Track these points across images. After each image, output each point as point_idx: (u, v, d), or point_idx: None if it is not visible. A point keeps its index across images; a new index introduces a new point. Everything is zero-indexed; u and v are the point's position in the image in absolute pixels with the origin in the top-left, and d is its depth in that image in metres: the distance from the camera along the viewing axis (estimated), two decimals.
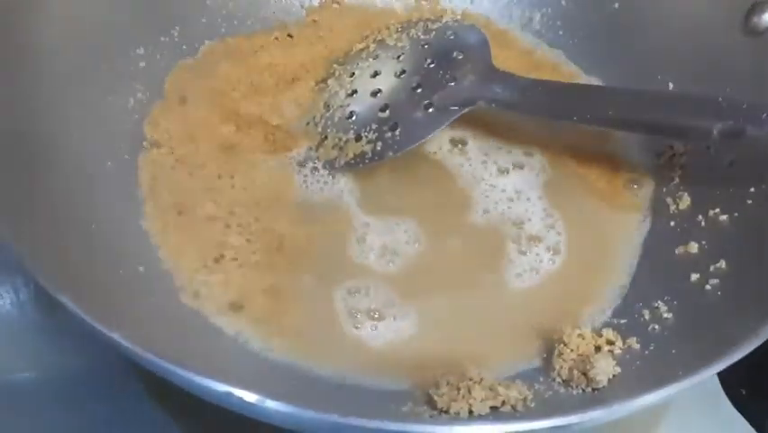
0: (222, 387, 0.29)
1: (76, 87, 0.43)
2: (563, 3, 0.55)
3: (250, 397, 0.29)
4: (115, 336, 0.30)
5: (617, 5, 0.53)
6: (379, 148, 0.47)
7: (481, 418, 0.34)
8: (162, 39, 0.50)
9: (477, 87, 0.48)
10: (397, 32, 0.53)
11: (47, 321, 0.45)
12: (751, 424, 0.44)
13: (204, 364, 0.30)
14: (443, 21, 0.53)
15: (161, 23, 0.50)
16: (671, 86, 0.49)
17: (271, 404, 0.29)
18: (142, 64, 0.48)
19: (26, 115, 0.40)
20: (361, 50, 0.52)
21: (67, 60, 0.43)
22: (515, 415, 0.35)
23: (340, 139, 0.48)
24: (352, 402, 0.38)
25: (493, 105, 0.47)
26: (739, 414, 0.44)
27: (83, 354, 0.43)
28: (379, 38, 0.53)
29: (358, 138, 0.47)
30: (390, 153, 0.46)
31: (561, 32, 0.55)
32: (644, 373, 0.37)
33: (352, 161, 0.47)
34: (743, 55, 0.46)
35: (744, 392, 0.44)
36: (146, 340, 0.30)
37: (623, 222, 0.47)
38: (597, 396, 0.37)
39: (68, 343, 0.43)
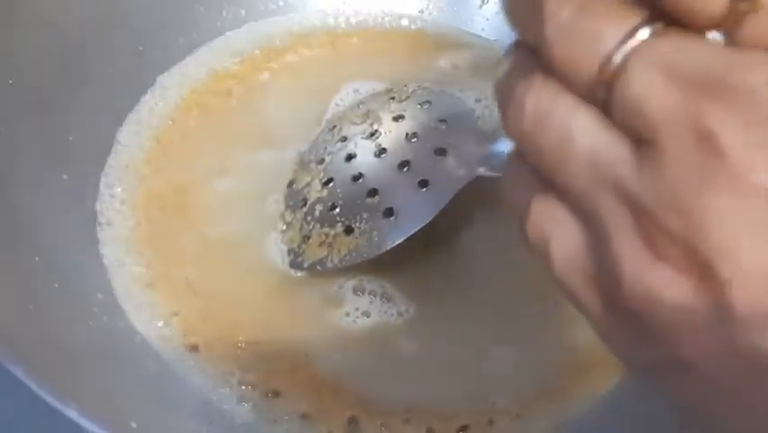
0: None
1: None
2: None
3: None
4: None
5: None
6: (376, 238, 0.42)
7: None
8: None
9: (473, 155, 0.43)
10: (358, 107, 0.47)
11: None
12: None
13: None
14: (410, 89, 0.47)
15: None
16: None
17: None
18: None
19: None
20: (322, 133, 0.47)
21: None
22: None
23: (327, 235, 0.42)
24: None
25: (495, 172, 0.42)
26: None
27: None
28: (339, 116, 0.48)
29: (348, 230, 0.42)
30: (390, 242, 0.41)
31: None
32: None
33: (347, 258, 0.42)
34: None
35: None
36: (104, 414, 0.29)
37: None
38: None
39: None
